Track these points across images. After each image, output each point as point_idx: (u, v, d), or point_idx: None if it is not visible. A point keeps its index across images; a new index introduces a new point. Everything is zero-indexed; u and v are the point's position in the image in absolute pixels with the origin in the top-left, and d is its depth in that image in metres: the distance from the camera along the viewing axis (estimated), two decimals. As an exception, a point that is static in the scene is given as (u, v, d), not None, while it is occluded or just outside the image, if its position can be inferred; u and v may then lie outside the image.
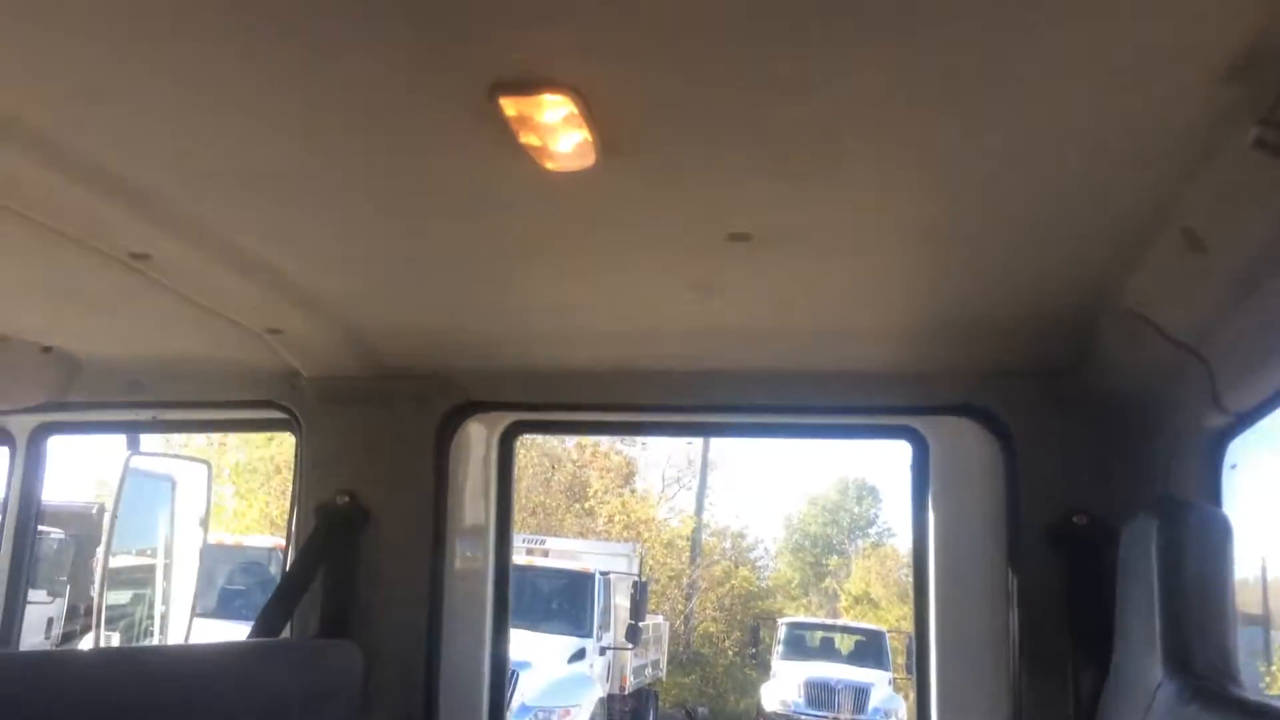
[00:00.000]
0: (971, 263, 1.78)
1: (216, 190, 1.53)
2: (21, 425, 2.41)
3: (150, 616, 4.79)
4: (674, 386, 2.22)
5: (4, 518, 2.49)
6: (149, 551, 4.74)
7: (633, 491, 26.01)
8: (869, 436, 2.58)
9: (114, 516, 3.42)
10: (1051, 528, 2.00)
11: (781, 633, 18.14)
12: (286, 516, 2.20)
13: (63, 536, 11.47)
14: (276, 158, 1.43)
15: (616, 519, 23.98)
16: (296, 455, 2.18)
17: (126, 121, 1.27)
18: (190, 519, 4.00)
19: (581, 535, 21.46)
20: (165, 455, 4.29)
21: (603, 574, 13.79)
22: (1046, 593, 1.98)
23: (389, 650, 1.99)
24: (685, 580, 24.57)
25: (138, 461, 3.07)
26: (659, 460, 27.00)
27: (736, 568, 26.59)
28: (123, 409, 2.33)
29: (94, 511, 12.93)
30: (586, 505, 24.74)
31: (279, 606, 1.90)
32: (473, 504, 2.20)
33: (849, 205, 1.57)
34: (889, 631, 19.00)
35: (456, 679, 2.11)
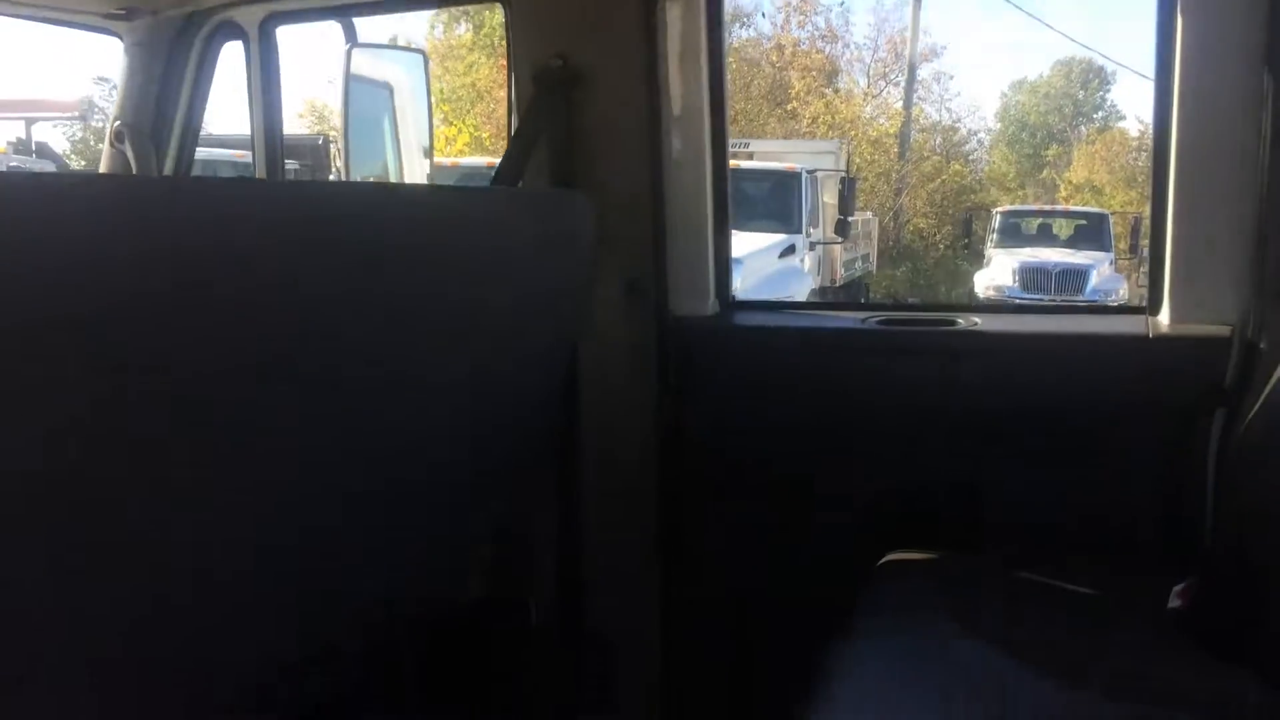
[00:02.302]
0: None
1: None
2: (250, 17, 2.54)
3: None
4: None
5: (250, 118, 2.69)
6: (377, 177, 4.88)
7: (836, 91, 25.27)
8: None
9: (346, 136, 3.41)
10: None
11: (996, 221, 17.81)
12: (507, 88, 2.26)
13: (296, 167, 12.21)
14: None
15: (820, 120, 23.53)
16: (506, 25, 2.21)
17: None
18: (413, 140, 4.09)
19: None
20: (381, 46, 4.43)
21: (809, 172, 13.79)
22: None
23: (616, 206, 2.08)
24: (894, 177, 24.23)
25: (358, 62, 3.17)
26: (864, 57, 25.90)
27: (948, 163, 25.96)
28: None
29: (320, 142, 13.75)
30: (789, 108, 24.31)
31: (510, 165, 2.00)
32: (686, 77, 2.19)
33: None
34: (1113, 214, 18.38)
35: (679, 232, 2.20)
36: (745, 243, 10.60)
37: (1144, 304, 2.09)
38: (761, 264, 11.32)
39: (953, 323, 2.16)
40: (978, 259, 17.88)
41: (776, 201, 13.05)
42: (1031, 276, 15.02)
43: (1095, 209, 19.43)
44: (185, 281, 1.14)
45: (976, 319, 2.17)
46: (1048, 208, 21.13)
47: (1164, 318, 2.02)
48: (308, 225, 1.34)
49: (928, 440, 2.11)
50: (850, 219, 14.23)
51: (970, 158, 27.89)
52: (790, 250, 12.65)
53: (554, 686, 2.29)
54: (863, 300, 14.91)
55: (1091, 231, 16.75)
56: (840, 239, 14.35)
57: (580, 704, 2.26)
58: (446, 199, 1.84)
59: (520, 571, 2.26)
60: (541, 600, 2.30)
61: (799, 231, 13.05)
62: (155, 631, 1.23)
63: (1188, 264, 1.97)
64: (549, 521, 2.26)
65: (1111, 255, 16.18)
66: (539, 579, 2.29)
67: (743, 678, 2.23)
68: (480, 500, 1.94)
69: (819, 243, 14.00)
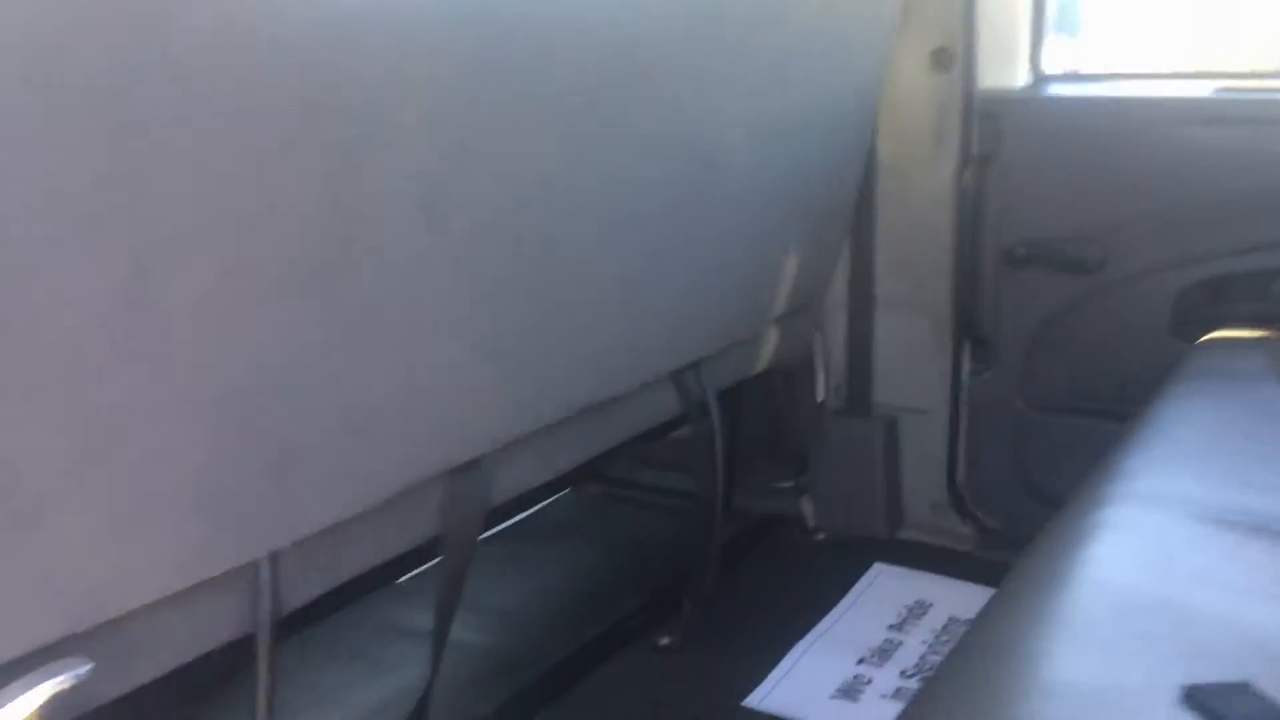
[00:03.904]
0: None
1: None
2: None
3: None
4: None
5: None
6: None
7: None
8: None
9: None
10: None
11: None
12: None
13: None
14: None
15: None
16: None
17: None
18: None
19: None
20: None
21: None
22: None
23: None
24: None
25: None
26: None
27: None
28: None
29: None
30: None
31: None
32: None
33: None
34: None
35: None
36: None
37: None
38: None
39: None
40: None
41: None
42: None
43: None
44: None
45: None
46: None
47: None
48: None
49: (1260, 221, 1.95)
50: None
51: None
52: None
53: (843, 458, 2.37)
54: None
55: None
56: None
57: (867, 476, 2.33)
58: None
59: (810, 346, 2.32)
60: (832, 376, 2.36)
61: None
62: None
63: None
64: (839, 296, 2.28)
65: None
66: (830, 353, 2.34)
67: (1027, 460, 2.22)
68: (777, 274, 1.99)
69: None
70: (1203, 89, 2.04)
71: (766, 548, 2.39)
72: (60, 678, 0.97)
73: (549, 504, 2.55)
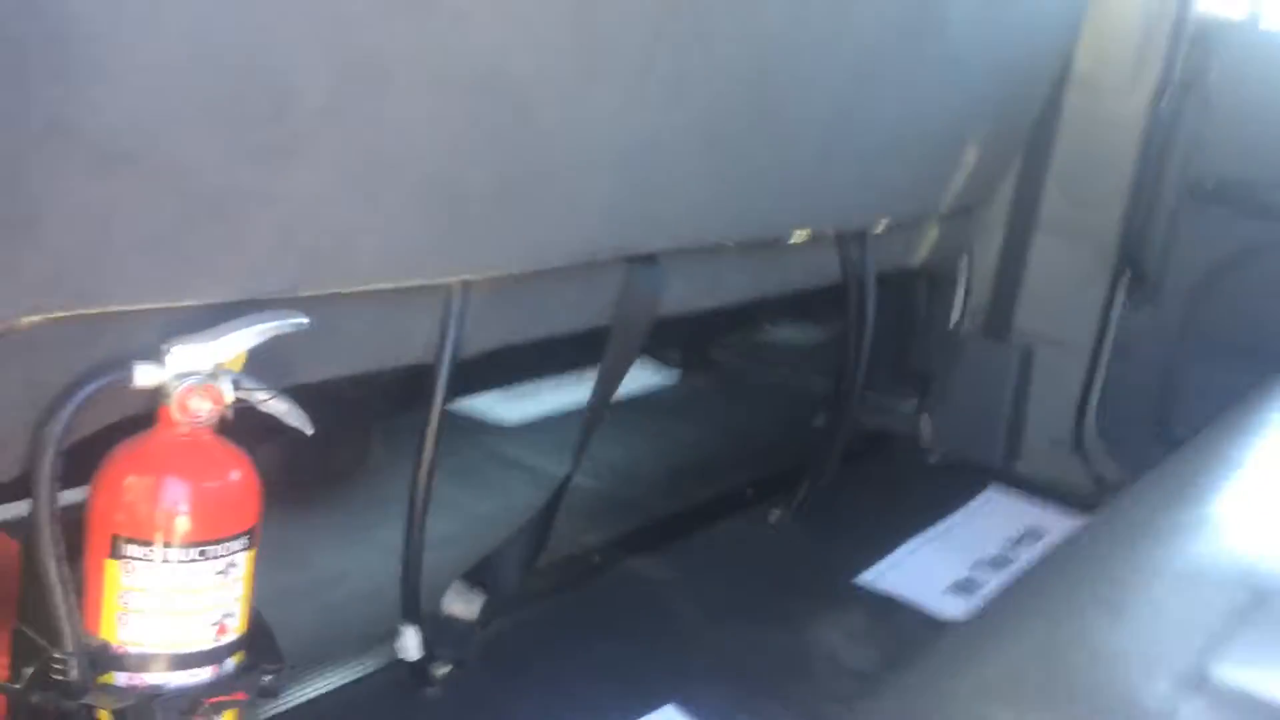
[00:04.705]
0: None
1: None
2: None
3: None
4: None
5: None
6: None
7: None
8: None
9: None
10: None
11: None
12: None
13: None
14: None
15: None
16: None
17: None
18: None
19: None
20: None
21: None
22: None
23: None
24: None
25: None
26: None
27: None
28: None
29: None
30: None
31: None
32: None
33: None
34: None
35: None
36: None
37: None
38: None
39: None
40: None
41: None
42: None
43: None
44: None
45: None
46: None
47: None
48: None
49: None
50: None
51: None
52: None
53: (971, 381, 2.30)
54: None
55: None
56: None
57: (994, 403, 2.27)
58: None
59: (959, 260, 2.25)
60: (974, 297, 2.29)
61: None
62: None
63: None
64: (1000, 214, 2.22)
65: None
66: (974, 275, 2.27)
67: (1168, 410, 2.14)
68: (948, 165, 1.93)
69: None
70: None
71: (879, 460, 2.34)
72: (285, 321, 0.97)
73: (660, 389, 2.52)
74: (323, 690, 1.35)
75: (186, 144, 0.86)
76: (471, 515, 1.77)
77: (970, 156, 1.96)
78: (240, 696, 1.00)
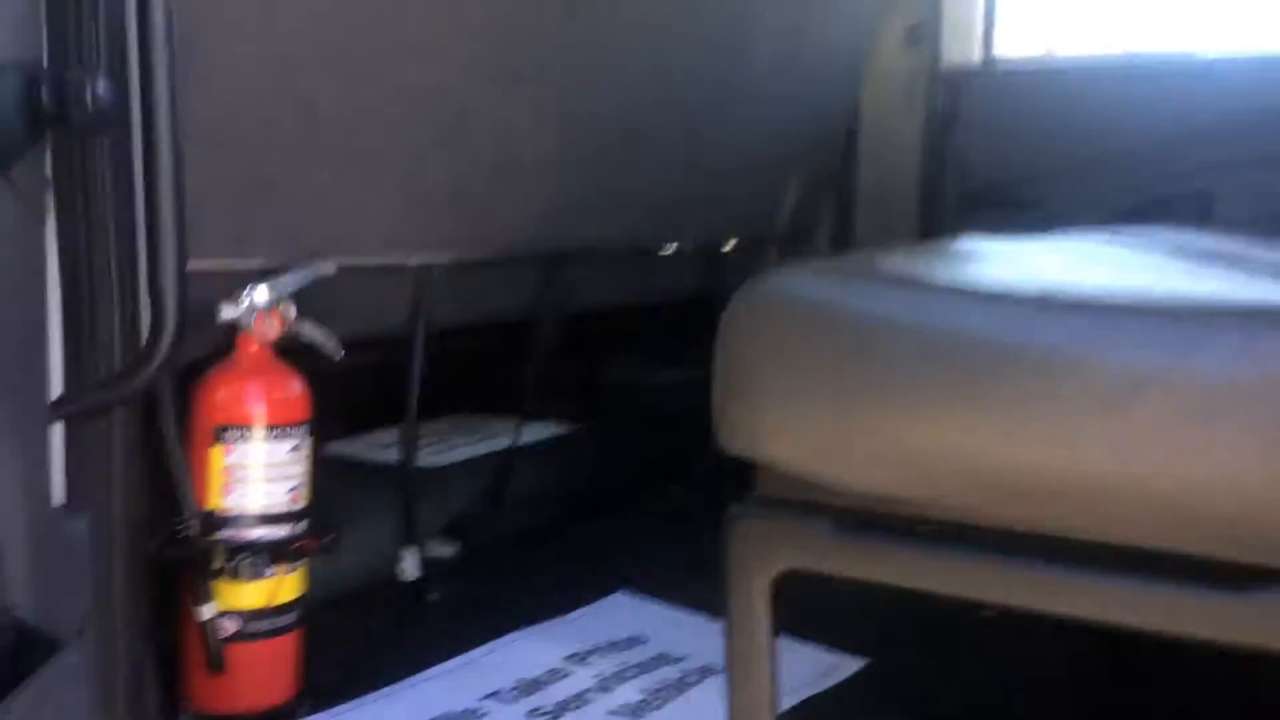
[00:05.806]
0: None
1: None
2: None
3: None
4: None
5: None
6: None
7: None
8: None
9: None
10: None
11: None
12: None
13: None
14: None
15: None
16: None
17: None
18: None
19: None
20: None
21: None
22: None
23: None
24: None
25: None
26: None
27: None
28: None
29: None
30: None
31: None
32: None
33: None
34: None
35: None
36: None
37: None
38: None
39: None
40: None
41: None
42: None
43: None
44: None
45: None
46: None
47: None
48: None
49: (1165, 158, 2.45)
50: None
51: None
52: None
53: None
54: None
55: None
56: None
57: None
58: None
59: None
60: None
61: None
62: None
63: None
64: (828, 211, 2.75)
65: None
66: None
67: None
68: (781, 193, 2.46)
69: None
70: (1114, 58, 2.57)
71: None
72: (321, 266, 1.37)
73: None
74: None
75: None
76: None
77: (794, 186, 2.49)
78: (313, 544, 1.35)
